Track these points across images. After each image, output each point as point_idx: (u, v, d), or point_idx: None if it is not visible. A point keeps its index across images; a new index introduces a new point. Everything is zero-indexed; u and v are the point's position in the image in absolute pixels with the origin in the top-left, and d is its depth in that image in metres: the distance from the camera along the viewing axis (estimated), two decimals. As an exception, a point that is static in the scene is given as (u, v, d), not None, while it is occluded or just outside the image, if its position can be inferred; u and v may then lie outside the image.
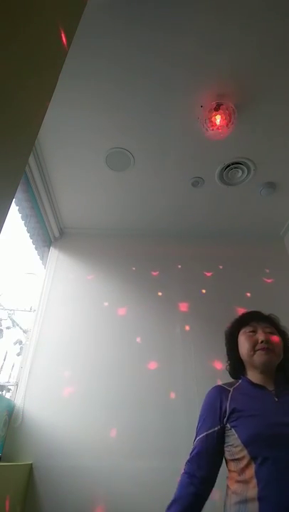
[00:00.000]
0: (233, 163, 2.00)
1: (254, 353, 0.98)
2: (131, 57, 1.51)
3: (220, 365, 1.89)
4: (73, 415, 1.82)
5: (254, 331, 1.03)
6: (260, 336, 1.00)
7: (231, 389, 0.97)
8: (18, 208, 2.08)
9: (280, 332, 1.06)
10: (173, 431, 1.76)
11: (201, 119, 1.69)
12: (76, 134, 1.86)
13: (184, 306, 2.22)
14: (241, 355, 1.03)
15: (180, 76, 1.57)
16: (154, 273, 2.38)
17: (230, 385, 1.00)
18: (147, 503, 1.58)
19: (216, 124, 1.67)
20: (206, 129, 1.69)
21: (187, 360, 1.99)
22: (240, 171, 2.04)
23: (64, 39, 0.97)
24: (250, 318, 1.08)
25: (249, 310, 1.14)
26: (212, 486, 0.86)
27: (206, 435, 0.90)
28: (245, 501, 0.75)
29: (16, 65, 0.73)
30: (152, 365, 1.99)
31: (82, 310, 2.21)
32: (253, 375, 1.00)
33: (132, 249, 2.49)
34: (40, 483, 1.64)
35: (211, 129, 1.68)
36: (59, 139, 1.89)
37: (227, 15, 1.36)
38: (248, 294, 2.26)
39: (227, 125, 1.66)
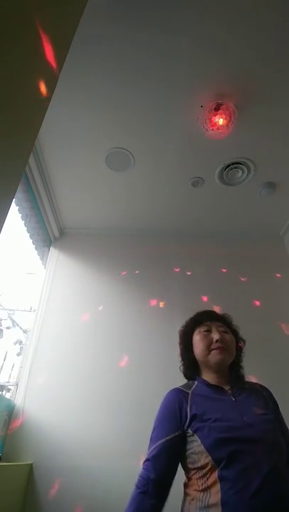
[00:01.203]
0: (233, 163, 2.00)
1: (209, 353, 0.98)
2: (131, 58, 1.51)
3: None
4: (73, 415, 1.82)
5: (208, 330, 1.02)
6: (215, 335, 0.99)
7: (190, 391, 0.95)
8: (18, 207, 2.08)
9: (233, 331, 1.07)
10: (173, 431, 1.76)
11: (201, 119, 1.69)
12: (76, 134, 1.86)
13: (183, 306, 2.22)
14: (196, 355, 1.03)
15: (180, 76, 1.57)
16: (154, 273, 2.38)
17: (187, 387, 0.99)
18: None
19: (216, 124, 1.67)
20: (206, 129, 1.69)
21: (187, 360, 1.99)
22: (240, 171, 2.04)
23: (64, 39, 0.97)
24: (205, 318, 1.08)
25: (203, 310, 1.13)
26: (168, 490, 0.83)
27: (167, 440, 0.86)
28: (207, 507, 0.74)
29: (16, 65, 0.73)
30: (152, 365, 1.99)
31: (82, 310, 2.21)
32: (208, 375, 0.99)
33: (131, 249, 2.49)
34: (40, 483, 1.64)
35: (211, 129, 1.68)
36: (59, 139, 1.89)
37: (227, 16, 1.36)
38: (248, 294, 2.26)
39: (227, 125, 1.66)
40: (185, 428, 0.86)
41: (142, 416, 1.81)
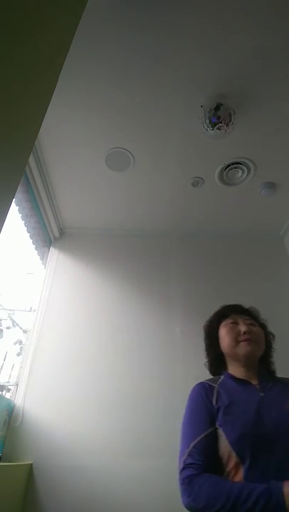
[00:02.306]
0: (233, 163, 2.00)
1: (237, 345, 0.95)
2: (131, 58, 1.51)
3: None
4: (73, 415, 1.82)
5: (235, 323, 0.99)
6: (242, 327, 0.96)
7: (216, 385, 0.92)
8: (18, 207, 2.08)
9: (261, 325, 1.04)
10: (173, 431, 1.76)
11: (201, 119, 1.69)
12: (76, 134, 1.86)
13: (183, 306, 2.22)
14: (222, 349, 0.99)
15: (180, 76, 1.57)
16: (154, 273, 2.38)
17: (213, 381, 0.95)
18: (147, 503, 1.58)
19: (215, 124, 1.67)
20: (206, 129, 1.69)
21: (187, 360, 1.99)
22: (240, 171, 2.04)
23: (64, 39, 0.97)
24: (231, 311, 1.06)
25: (228, 304, 1.11)
26: None
27: (204, 437, 0.80)
28: None
29: (16, 65, 0.73)
30: (152, 365, 1.99)
31: (82, 310, 2.21)
32: (235, 370, 0.96)
33: (131, 249, 2.49)
34: (40, 483, 1.64)
35: (210, 129, 1.68)
36: (59, 139, 1.89)
37: (227, 16, 1.36)
38: (248, 294, 2.26)
39: (227, 125, 1.66)
40: (215, 423, 0.82)
41: (143, 416, 1.81)
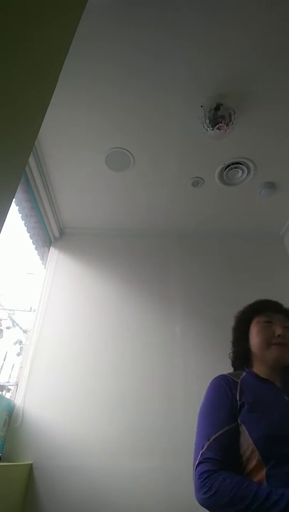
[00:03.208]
0: (233, 163, 2.00)
1: (268, 347, 0.88)
2: (131, 58, 1.50)
3: (220, 364, 1.89)
4: (73, 415, 1.82)
5: (270, 322, 0.92)
6: (278, 330, 0.89)
7: (239, 380, 0.86)
8: (18, 207, 2.08)
9: None
10: (173, 431, 1.76)
11: (201, 119, 1.69)
12: (76, 134, 1.86)
13: (183, 306, 2.22)
14: (251, 346, 0.93)
15: (180, 76, 1.57)
16: (154, 273, 2.38)
17: (236, 375, 0.89)
18: (147, 503, 1.58)
19: (215, 124, 1.67)
20: (206, 129, 1.69)
21: (187, 360, 1.99)
22: (240, 171, 2.04)
23: (64, 39, 0.97)
24: (267, 308, 0.98)
25: (264, 298, 1.03)
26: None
27: (225, 432, 0.75)
28: None
29: (16, 65, 0.73)
30: (152, 365, 1.99)
31: (82, 310, 2.21)
32: (259, 369, 0.90)
33: (131, 249, 2.49)
34: (40, 483, 1.64)
35: (210, 129, 1.68)
36: (59, 139, 1.89)
37: (227, 16, 1.36)
38: (248, 294, 2.26)
39: (227, 125, 1.66)
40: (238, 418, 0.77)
41: (143, 416, 1.81)
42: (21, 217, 2.15)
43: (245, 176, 2.06)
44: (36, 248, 2.40)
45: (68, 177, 2.14)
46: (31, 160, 1.92)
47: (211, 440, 0.74)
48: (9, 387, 2.00)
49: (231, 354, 1.01)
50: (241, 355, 0.97)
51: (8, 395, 1.93)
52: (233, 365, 1.00)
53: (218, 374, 0.91)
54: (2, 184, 0.75)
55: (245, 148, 1.91)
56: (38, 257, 2.44)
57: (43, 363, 1.99)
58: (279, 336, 0.88)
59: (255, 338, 0.92)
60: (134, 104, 1.70)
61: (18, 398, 1.87)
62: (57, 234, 2.52)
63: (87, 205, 2.37)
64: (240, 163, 2.00)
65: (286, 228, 2.51)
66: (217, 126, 1.66)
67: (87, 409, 1.83)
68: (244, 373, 0.91)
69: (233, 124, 1.67)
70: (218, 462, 0.70)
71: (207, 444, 0.74)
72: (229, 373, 0.91)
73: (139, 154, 1.97)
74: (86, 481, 1.64)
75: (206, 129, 1.69)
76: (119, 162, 2.00)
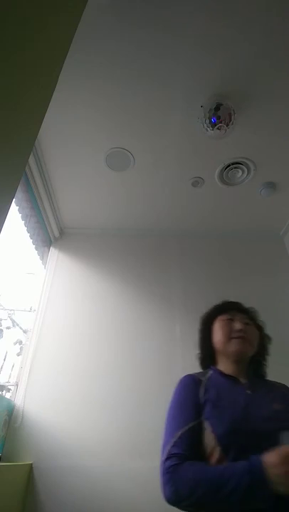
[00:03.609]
0: (233, 163, 2.00)
1: (228, 341, 0.94)
2: (131, 58, 1.51)
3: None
4: (73, 415, 1.82)
5: (231, 319, 0.99)
6: (237, 324, 0.96)
7: (204, 379, 0.91)
8: (18, 207, 2.08)
9: (258, 326, 1.03)
10: (173, 431, 1.76)
11: (201, 119, 1.69)
12: (76, 134, 1.86)
13: (183, 306, 2.22)
14: (214, 343, 0.99)
15: (180, 76, 1.57)
16: (154, 273, 2.38)
17: (201, 374, 0.95)
18: (147, 503, 1.58)
19: (216, 124, 1.67)
20: (206, 129, 1.69)
21: (187, 359, 1.99)
22: (240, 171, 2.04)
23: (64, 38, 0.97)
24: (229, 307, 1.05)
25: (228, 300, 1.11)
26: None
27: (189, 429, 0.79)
28: None
29: (16, 65, 0.73)
30: (152, 365, 1.99)
31: (82, 310, 2.21)
32: (224, 366, 0.95)
33: (131, 249, 2.49)
34: (40, 483, 1.64)
35: (211, 129, 1.68)
36: (59, 139, 1.89)
37: (227, 15, 1.36)
38: (248, 294, 2.26)
39: (227, 125, 1.66)
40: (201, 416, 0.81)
41: (143, 416, 1.81)
42: (21, 217, 2.15)
43: (245, 176, 2.06)
44: (36, 248, 2.40)
45: (68, 177, 2.14)
46: (31, 160, 1.92)
47: (176, 437, 0.78)
48: (9, 387, 2.00)
49: (199, 355, 1.06)
50: (207, 354, 1.02)
51: (8, 395, 1.93)
52: (202, 365, 1.05)
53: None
54: (2, 184, 0.75)
55: (245, 148, 1.91)
56: (38, 257, 2.44)
57: (43, 363, 1.99)
58: (239, 330, 0.94)
59: (217, 334, 0.98)
60: (134, 104, 1.70)
61: (18, 398, 1.87)
62: (57, 234, 2.52)
63: (87, 205, 2.37)
64: (240, 163, 2.00)
65: (286, 228, 2.51)
66: (217, 126, 1.66)
67: (87, 409, 1.83)
68: (210, 372, 0.95)
69: (233, 124, 1.67)
70: (184, 457, 0.74)
71: (173, 440, 0.78)
72: (196, 373, 0.97)
73: (139, 154, 1.97)
74: (86, 481, 1.64)
75: (206, 129, 1.69)
76: (119, 162, 2.00)
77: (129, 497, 1.60)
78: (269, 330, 2.32)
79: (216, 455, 0.75)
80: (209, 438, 0.77)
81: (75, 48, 1.38)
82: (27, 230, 2.22)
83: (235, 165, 2.01)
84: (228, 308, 1.04)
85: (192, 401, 0.84)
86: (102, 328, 2.13)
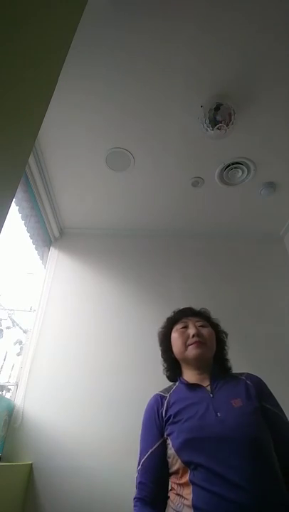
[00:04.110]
0: (233, 163, 2.00)
1: (186, 349, 0.96)
2: (131, 58, 1.51)
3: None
4: (73, 415, 1.82)
5: (186, 327, 1.01)
6: (191, 331, 0.97)
7: (168, 395, 0.93)
8: (18, 207, 2.08)
9: (213, 324, 1.04)
10: (173, 431, 1.76)
11: (201, 119, 1.69)
12: (76, 134, 1.86)
13: (183, 306, 2.21)
14: (175, 354, 1.01)
15: (180, 76, 1.57)
16: (154, 273, 2.38)
17: (167, 390, 0.97)
18: (147, 503, 1.57)
19: (216, 124, 1.67)
20: (206, 129, 1.69)
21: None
22: (240, 171, 2.04)
23: (64, 38, 0.97)
24: (181, 315, 1.07)
25: (180, 308, 1.13)
26: (163, 500, 0.81)
27: (152, 452, 0.84)
28: (181, 508, 0.71)
29: (16, 65, 0.73)
30: (152, 365, 1.99)
31: (82, 310, 2.21)
32: (188, 374, 0.97)
33: (131, 249, 2.49)
34: (40, 483, 1.64)
35: (211, 129, 1.68)
36: (59, 139, 1.89)
37: (227, 15, 1.36)
38: (248, 294, 2.26)
39: (227, 125, 1.66)
40: (164, 434, 0.84)
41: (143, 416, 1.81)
42: (21, 217, 2.15)
43: (245, 176, 2.06)
44: (36, 248, 2.40)
45: (68, 177, 2.14)
46: (31, 160, 1.92)
47: (140, 466, 0.85)
48: (9, 387, 2.00)
49: (164, 369, 1.09)
50: (171, 366, 1.05)
51: (8, 395, 1.93)
52: (169, 378, 1.07)
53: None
54: (2, 184, 0.75)
55: (245, 148, 1.91)
56: (38, 257, 2.44)
57: (43, 363, 1.99)
58: (193, 335, 0.96)
59: (175, 345, 1.00)
60: (134, 104, 1.70)
61: (18, 398, 1.87)
62: (57, 234, 2.52)
63: (87, 205, 2.37)
64: (240, 163, 2.00)
65: (286, 228, 2.51)
66: (217, 126, 1.66)
67: (87, 409, 1.83)
68: (176, 384, 0.98)
69: (233, 124, 1.67)
70: (145, 487, 0.81)
71: (138, 468, 0.86)
72: (162, 390, 0.99)
73: (139, 154, 1.97)
74: (86, 481, 1.64)
75: (206, 129, 1.69)
76: (119, 162, 2.00)
77: (128, 497, 1.60)
78: (269, 330, 2.32)
79: (179, 468, 0.76)
80: (171, 453, 0.79)
81: (75, 49, 1.38)
82: (27, 230, 2.22)
83: (235, 165, 2.01)
84: (180, 317, 1.06)
85: (154, 423, 0.88)
86: (102, 328, 2.13)
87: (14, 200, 1.77)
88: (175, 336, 1.01)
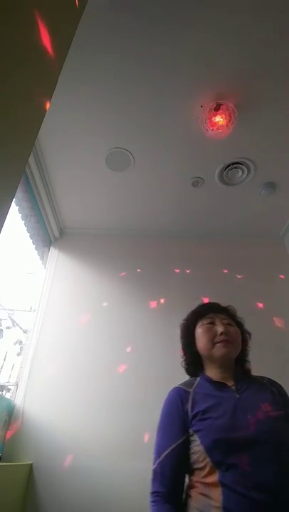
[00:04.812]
0: (233, 163, 2.00)
1: (213, 346, 0.93)
2: (131, 58, 1.50)
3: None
4: (73, 415, 1.82)
5: (212, 323, 0.97)
6: (219, 328, 0.94)
7: (191, 390, 0.90)
8: (18, 207, 2.08)
9: (238, 323, 1.02)
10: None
11: (201, 119, 1.69)
12: (76, 134, 1.86)
13: (183, 307, 2.21)
14: (199, 349, 0.98)
15: (180, 76, 1.57)
16: (154, 273, 2.38)
17: (189, 385, 0.93)
18: (147, 503, 1.58)
19: (216, 124, 1.67)
20: (206, 129, 1.69)
21: (187, 360, 1.99)
22: (240, 171, 2.04)
23: (64, 40, 0.97)
24: (208, 310, 1.03)
25: (205, 302, 1.10)
26: (181, 497, 0.80)
27: (172, 450, 0.80)
28: (208, 509, 0.70)
29: (16, 65, 0.73)
30: (152, 365, 1.99)
31: (82, 310, 2.21)
32: (211, 371, 0.94)
33: (131, 250, 2.49)
34: (40, 483, 1.64)
35: (211, 129, 1.68)
36: (59, 139, 1.89)
37: (227, 15, 1.36)
38: (248, 294, 2.26)
39: (227, 125, 1.66)
40: (188, 431, 0.82)
41: (143, 416, 1.81)
42: (21, 217, 2.15)
43: (245, 176, 2.06)
44: (36, 248, 2.40)
45: (68, 177, 2.14)
46: (31, 160, 1.92)
47: (161, 458, 0.81)
48: (9, 387, 2.00)
49: (183, 362, 1.06)
50: (192, 360, 1.01)
51: (8, 395, 1.93)
52: (187, 372, 1.04)
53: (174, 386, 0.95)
54: (2, 184, 0.75)
55: (245, 148, 1.91)
56: (38, 257, 2.45)
57: (43, 363, 1.99)
58: (221, 333, 0.93)
59: (200, 341, 0.97)
60: (134, 105, 1.70)
61: (18, 398, 1.87)
62: (57, 234, 2.52)
63: (87, 205, 2.37)
64: (240, 163, 2.00)
65: (286, 228, 2.51)
66: (217, 126, 1.66)
67: (87, 409, 1.83)
68: (198, 379, 0.95)
69: (233, 124, 1.67)
70: (166, 481, 0.78)
71: (158, 461, 0.81)
72: (183, 383, 0.95)
73: (139, 154, 1.97)
74: (86, 481, 1.64)
75: (206, 129, 1.69)
76: (119, 162, 2.00)
77: (129, 497, 1.60)
78: (269, 330, 2.32)
79: (207, 467, 0.74)
80: (199, 450, 0.77)
81: (75, 50, 1.38)
82: (27, 230, 2.22)
83: (235, 165, 2.01)
84: (206, 312, 1.03)
85: (178, 417, 0.85)
86: (102, 328, 2.13)
87: (14, 200, 1.77)
88: (200, 332, 0.98)
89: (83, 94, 1.66)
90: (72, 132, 1.85)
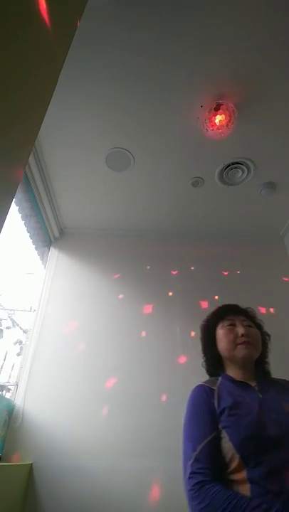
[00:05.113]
0: (233, 163, 2.00)
1: (235, 348, 0.95)
2: (131, 58, 1.50)
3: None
4: (73, 415, 1.82)
5: (233, 325, 1.00)
6: (240, 330, 0.97)
7: (216, 387, 0.91)
8: (18, 207, 2.08)
9: (257, 325, 1.04)
10: (173, 431, 1.76)
11: (201, 119, 1.69)
12: (76, 133, 1.86)
13: (184, 306, 2.22)
14: (220, 351, 0.99)
15: (180, 76, 1.57)
16: (154, 273, 2.38)
17: (212, 383, 0.94)
18: (147, 503, 1.58)
19: (216, 124, 1.67)
20: (206, 129, 1.69)
21: (187, 360, 1.99)
22: (240, 171, 2.04)
23: (64, 39, 0.97)
24: (228, 312, 1.06)
25: (225, 304, 1.11)
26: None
27: (208, 441, 0.79)
28: None
29: (17, 66, 0.73)
30: (152, 365, 1.99)
31: (82, 310, 2.21)
32: (232, 371, 0.96)
33: (131, 250, 2.49)
34: (40, 483, 1.64)
35: (211, 129, 1.68)
36: (59, 139, 1.89)
37: (227, 15, 1.36)
38: (248, 294, 2.26)
39: (227, 125, 1.66)
40: (218, 426, 0.81)
41: (143, 416, 1.81)
42: (21, 217, 2.15)
43: (245, 176, 2.06)
44: (36, 248, 2.40)
45: (68, 177, 2.14)
46: (31, 160, 1.92)
47: (197, 451, 0.78)
48: (9, 387, 2.00)
49: (204, 363, 1.07)
50: (213, 361, 1.03)
51: (8, 395, 1.93)
52: (208, 372, 1.05)
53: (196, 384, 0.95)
54: (2, 184, 0.75)
55: (245, 148, 1.91)
56: (38, 257, 2.45)
57: (43, 363, 1.98)
58: (243, 335, 0.95)
59: (222, 342, 0.99)
60: (134, 104, 1.70)
61: (18, 398, 1.87)
62: (57, 234, 2.52)
63: (87, 205, 2.37)
64: (240, 163, 2.00)
65: (286, 228, 2.51)
66: (217, 126, 1.66)
67: (87, 409, 1.83)
68: (220, 379, 0.95)
69: (233, 124, 1.67)
70: (208, 471, 0.75)
71: (194, 454, 0.78)
72: (205, 381, 0.96)
73: (139, 154, 1.97)
74: (86, 481, 1.64)
75: (206, 129, 1.69)
76: (119, 162, 2.00)
77: (129, 497, 1.60)
78: (269, 330, 2.31)
79: (235, 463, 0.75)
80: (227, 446, 0.77)
81: (75, 50, 1.38)
82: (27, 230, 2.22)
83: (235, 165, 2.01)
84: (227, 313, 1.05)
85: (208, 413, 0.84)
86: (102, 328, 2.13)
87: (14, 200, 1.77)
88: (222, 333, 1.00)
89: (83, 94, 1.66)
90: (72, 132, 1.85)
